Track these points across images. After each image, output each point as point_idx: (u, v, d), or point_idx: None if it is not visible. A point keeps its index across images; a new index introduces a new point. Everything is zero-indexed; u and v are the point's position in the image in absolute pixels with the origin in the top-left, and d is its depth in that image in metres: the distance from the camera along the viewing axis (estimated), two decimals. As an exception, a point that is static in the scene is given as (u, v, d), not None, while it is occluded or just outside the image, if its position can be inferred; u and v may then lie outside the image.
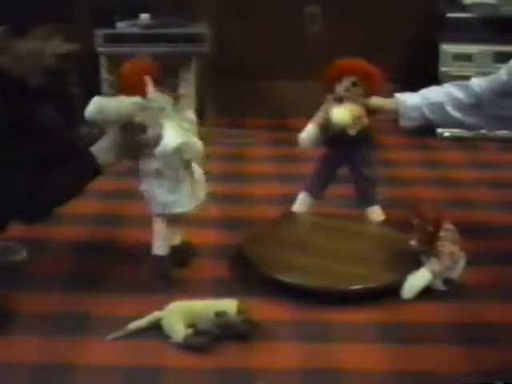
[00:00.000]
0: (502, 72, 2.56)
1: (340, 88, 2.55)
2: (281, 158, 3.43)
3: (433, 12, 3.79)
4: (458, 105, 2.57)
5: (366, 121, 2.56)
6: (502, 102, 2.53)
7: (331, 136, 2.60)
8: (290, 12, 3.92)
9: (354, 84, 2.55)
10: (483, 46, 3.62)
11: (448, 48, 3.64)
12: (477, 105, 2.56)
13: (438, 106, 2.58)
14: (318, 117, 2.59)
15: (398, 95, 2.61)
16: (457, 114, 2.58)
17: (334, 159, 2.66)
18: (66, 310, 2.21)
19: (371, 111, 2.58)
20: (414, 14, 3.89)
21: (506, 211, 2.89)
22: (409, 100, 2.59)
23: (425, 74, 3.56)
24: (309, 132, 2.59)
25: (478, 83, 2.57)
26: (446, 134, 3.67)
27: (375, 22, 3.94)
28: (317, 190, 2.69)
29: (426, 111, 2.58)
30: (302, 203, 2.70)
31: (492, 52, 3.60)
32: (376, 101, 2.58)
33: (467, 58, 3.60)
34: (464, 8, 3.71)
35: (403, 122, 2.62)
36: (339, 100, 2.56)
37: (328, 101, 2.59)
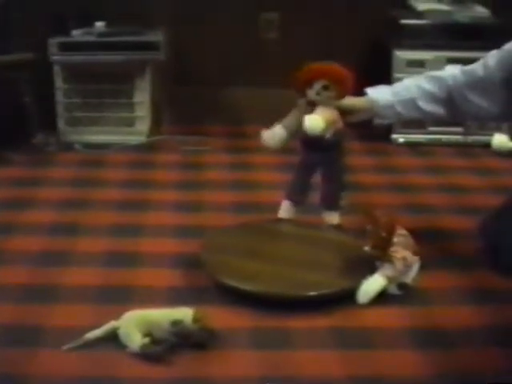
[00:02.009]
0: (479, 68, 2.54)
1: (311, 92, 2.54)
2: (237, 165, 3.43)
3: (387, 19, 3.82)
4: (431, 98, 2.56)
5: (339, 124, 2.57)
6: (475, 99, 2.54)
7: (306, 141, 2.60)
8: (246, 19, 3.93)
9: (326, 87, 2.53)
10: (436, 53, 3.66)
11: (401, 54, 3.67)
12: (449, 97, 2.56)
13: (410, 102, 2.57)
14: (287, 120, 2.58)
15: (370, 92, 2.60)
16: (428, 108, 2.57)
17: (310, 164, 2.66)
18: (20, 320, 2.19)
19: (345, 112, 2.58)
20: (369, 20, 3.92)
21: (460, 216, 2.93)
22: (381, 99, 2.58)
23: (378, 80, 3.58)
24: (274, 132, 2.57)
25: (452, 75, 2.56)
26: (401, 140, 3.71)
27: (330, 28, 3.97)
28: (297, 197, 2.68)
29: (399, 108, 2.58)
30: (286, 211, 2.69)
31: (445, 58, 3.63)
32: (349, 101, 2.57)
33: (420, 64, 3.64)
34: (418, 15, 3.75)
35: (376, 121, 2.63)
36: (311, 104, 2.56)
37: (299, 105, 2.58)
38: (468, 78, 2.55)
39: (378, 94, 2.60)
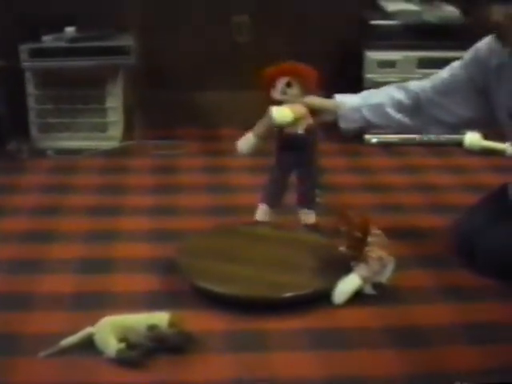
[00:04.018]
0: (445, 71, 2.60)
1: (276, 92, 2.57)
2: (211, 168, 3.43)
3: (357, 20, 3.84)
4: (398, 106, 2.59)
5: (310, 120, 2.58)
6: (443, 102, 2.57)
7: (280, 141, 2.61)
8: (217, 22, 3.93)
9: (289, 85, 2.56)
10: (407, 53, 3.68)
11: (372, 55, 3.69)
12: (416, 106, 2.59)
13: (377, 108, 2.60)
14: (258, 128, 2.58)
15: (338, 96, 2.62)
16: (397, 116, 2.60)
17: (285, 166, 2.67)
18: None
19: (311, 112, 2.59)
20: (340, 22, 3.92)
21: (434, 214, 2.94)
22: (348, 101, 2.60)
23: (350, 81, 3.60)
24: (247, 140, 2.58)
25: (419, 84, 2.61)
26: (374, 140, 3.72)
27: (301, 30, 3.98)
28: (273, 199, 2.69)
29: (366, 113, 2.60)
30: (262, 214, 2.68)
31: (415, 58, 3.66)
32: (314, 100, 2.59)
33: (391, 64, 3.65)
34: (387, 15, 3.76)
35: (343, 124, 2.63)
36: (278, 104, 2.57)
37: (268, 112, 2.57)
38: (434, 82, 2.58)
39: (346, 97, 2.62)
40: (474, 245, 2.49)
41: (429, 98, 2.57)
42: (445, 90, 2.57)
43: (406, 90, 2.60)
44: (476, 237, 2.49)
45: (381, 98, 2.61)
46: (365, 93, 2.67)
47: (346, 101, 2.61)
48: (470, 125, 2.74)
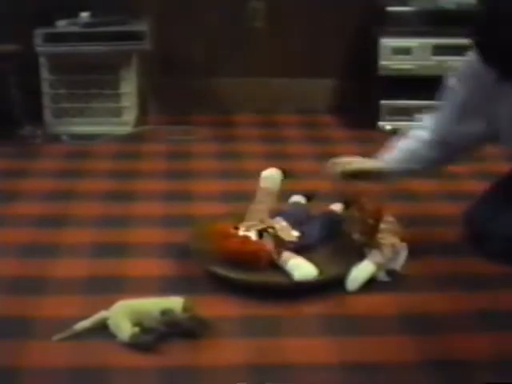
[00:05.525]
0: (453, 98, 2.47)
1: None
2: (224, 154, 3.43)
3: (372, 6, 3.82)
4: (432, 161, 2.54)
5: None
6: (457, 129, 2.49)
7: None
8: (232, 7, 3.93)
9: None
10: (422, 39, 3.66)
11: (387, 42, 3.67)
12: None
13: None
14: None
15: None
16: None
17: None
18: (9, 312, 2.19)
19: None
20: (355, 8, 3.91)
21: (447, 201, 2.94)
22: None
23: (365, 67, 3.59)
24: None
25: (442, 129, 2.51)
26: (388, 127, 3.71)
27: (317, 16, 3.97)
28: None
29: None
30: None
31: (431, 45, 3.64)
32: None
33: (406, 51, 3.64)
34: (403, 2, 3.75)
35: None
36: None
37: None
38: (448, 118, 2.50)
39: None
40: (485, 233, 2.48)
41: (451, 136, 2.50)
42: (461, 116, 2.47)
43: (440, 146, 2.51)
44: (487, 225, 2.48)
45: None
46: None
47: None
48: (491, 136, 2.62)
